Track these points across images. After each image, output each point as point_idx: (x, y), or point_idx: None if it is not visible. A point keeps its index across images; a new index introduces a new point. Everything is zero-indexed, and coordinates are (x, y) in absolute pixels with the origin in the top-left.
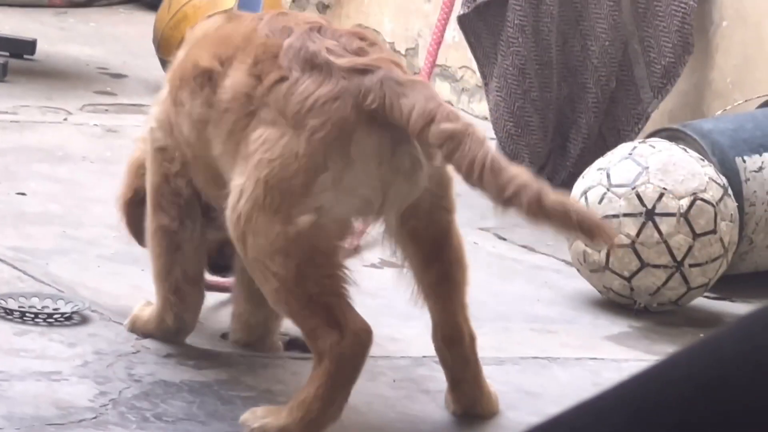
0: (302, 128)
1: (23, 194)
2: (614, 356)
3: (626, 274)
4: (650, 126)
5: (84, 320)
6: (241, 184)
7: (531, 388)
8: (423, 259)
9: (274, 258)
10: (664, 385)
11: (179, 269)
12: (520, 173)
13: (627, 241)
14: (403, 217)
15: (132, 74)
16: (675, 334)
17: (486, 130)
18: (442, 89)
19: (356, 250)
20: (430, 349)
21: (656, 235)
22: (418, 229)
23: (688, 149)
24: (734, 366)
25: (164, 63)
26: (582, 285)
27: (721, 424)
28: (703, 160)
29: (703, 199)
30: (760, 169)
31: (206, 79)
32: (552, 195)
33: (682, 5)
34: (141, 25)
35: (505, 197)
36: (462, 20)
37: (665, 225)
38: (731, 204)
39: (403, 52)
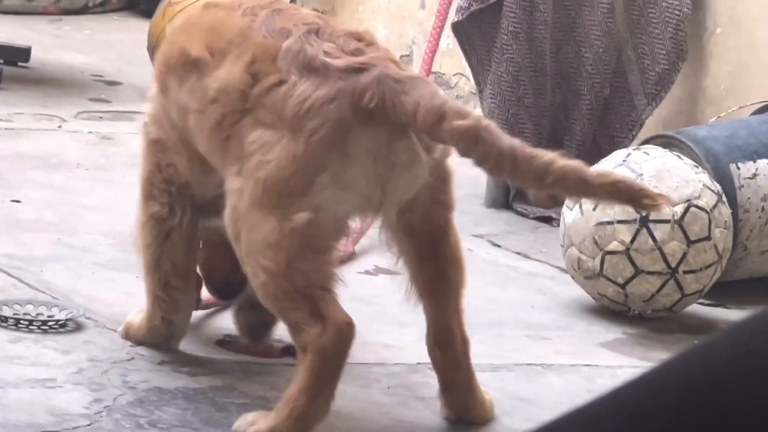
0: (300, 130)
1: (18, 201)
2: (609, 363)
3: (620, 280)
4: (644, 133)
5: (78, 327)
6: (240, 186)
7: (525, 394)
8: (418, 255)
9: (266, 252)
10: (658, 391)
11: (168, 261)
12: (552, 157)
13: (620, 248)
14: (400, 211)
15: (127, 81)
16: (669, 341)
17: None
18: None
19: (351, 257)
20: (424, 356)
21: (650, 241)
22: (415, 223)
23: (682, 156)
24: (727, 371)
25: None
26: (576, 292)
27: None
28: (698, 167)
29: (697, 206)
30: (754, 175)
31: (194, 67)
32: (593, 171)
33: (676, 12)
34: (136, 32)
35: (548, 182)
36: (456, 27)
37: (659, 232)
38: (725, 211)
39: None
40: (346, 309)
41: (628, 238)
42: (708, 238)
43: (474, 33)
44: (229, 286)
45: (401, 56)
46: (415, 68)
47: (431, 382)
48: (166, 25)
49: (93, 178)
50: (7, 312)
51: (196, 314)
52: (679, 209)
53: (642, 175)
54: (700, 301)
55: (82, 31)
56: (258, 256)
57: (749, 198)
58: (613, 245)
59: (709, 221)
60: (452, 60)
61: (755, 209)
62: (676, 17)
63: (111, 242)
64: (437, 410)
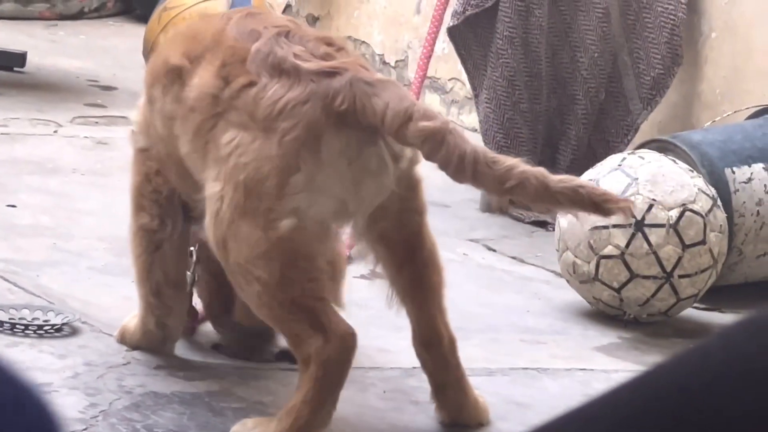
0: (273, 131)
1: (14, 206)
2: (604, 367)
3: (616, 285)
4: (639, 137)
5: (74, 332)
6: (219, 191)
7: (521, 399)
8: (395, 261)
9: (257, 262)
10: (651, 393)
11: (160, 271)
12: (514, 162)
13: (616, 253)
14: (371, 220)
15: (122, 86)
16: (664, 345)
17: (476, 141)
18: (432, 101)
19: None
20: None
21: (646, 246)
22: (388, 231)
23: (677, 160)
24: (721, 374)
25: None
26: (571, 296)
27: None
28: (693, 172)
29: (692, 210)
30: (749, 180)
31: (176, 75)
32: (554, 177)
33: (671, 17)
34: (131, 37)
35: (507, 187)
36: (452, 32)
37: (655, 236)
38: (720, 215)
39: (392, 64)
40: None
41: (623, 243)
42: (703, 242)
43: (470, 37)
44: (230, 316)
45: (396, 61)
46: (411, 73)
47: (426, 386)
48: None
49: (89, 183)
50: (3, 317)
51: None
52: (674, 213)
53: (637, 179)
54: (696, 305)
55: (78, 36)
56: (248, 265)
57: (744, 202)
58: (608, 249)
59: (705, 225)
60: (447, 65)
61: (750, 213)
62: (672, 22)
63: (107, 247)
64: (432, 414)
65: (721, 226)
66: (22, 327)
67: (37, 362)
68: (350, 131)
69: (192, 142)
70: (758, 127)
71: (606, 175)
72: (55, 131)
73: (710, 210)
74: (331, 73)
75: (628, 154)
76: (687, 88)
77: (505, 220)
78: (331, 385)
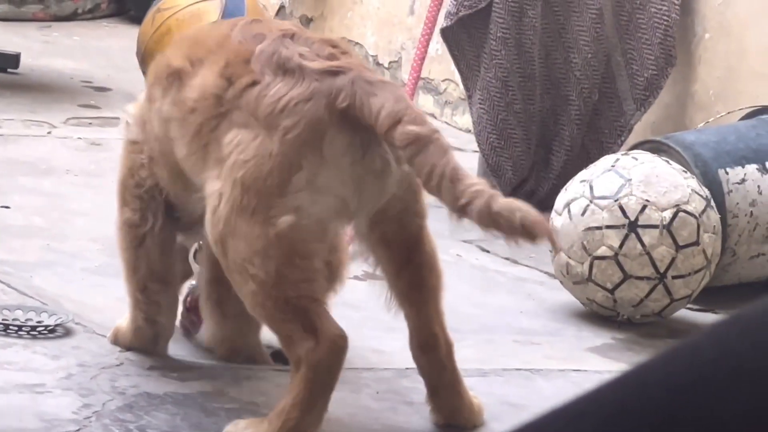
0: (275, 129)
1: (7, 207)
2: (598, 368)
3: (609, 286)
4: (633, 138)
5: (68, 333)
6: (219, 188)
7: (515, 399)
8: (394, 264)
9: (254, 260)
10: (640, 389)
11: (145, 266)
12: (476, 183)
13: (609, 253)
14: (372, 222)
15: (116, 88)
16: (658, 346)
17: (469, 142)
18: (425, 102)
19: None
20: (413, 361)
21: (639, 246)
22: (388, 233)
23: (670, 161)
24: (710, 371)
25: None
26: (565, 297)
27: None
28: (686, 172)
29: (685, 211)
30: (743, 181)
31: (176, 78)
32: (501, 200)
33: (665, 17)
34: (125, 38)
35: (459, 206)
36: (445, 33)
37: (648, 237)
38: (714, 216)
39: (386, 65)
40: (335, 314)
41: (616, 243)
42: (697, 243)
43: (463, 38)
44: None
45: (390, 62)
46: (404, 74)
47: (420, 387)
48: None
49: (82, 184)
50: None
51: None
52: (667, 214)
53: (631, 180)
54: (689, 306)
55: (72, 37)
56: (246, 263)
57: (738, 203)
58: (602, 250)
59: (698, 226)
60: (441, 66)
61: (744, 214)
62: (665, 22)
63: (100, 248)
64: (426, 415)
65: (714, 226)
66: (16, 328)
67: (30, 363)
68: (354, 131)
69: (190, 144)
70: (752, 128)
71: (599, 176)
72: (49, 132)
73: (704, 211)
74: (335, 72)
75: (622, 154)
76: (680, 88)
77: None
78: (321, 388)
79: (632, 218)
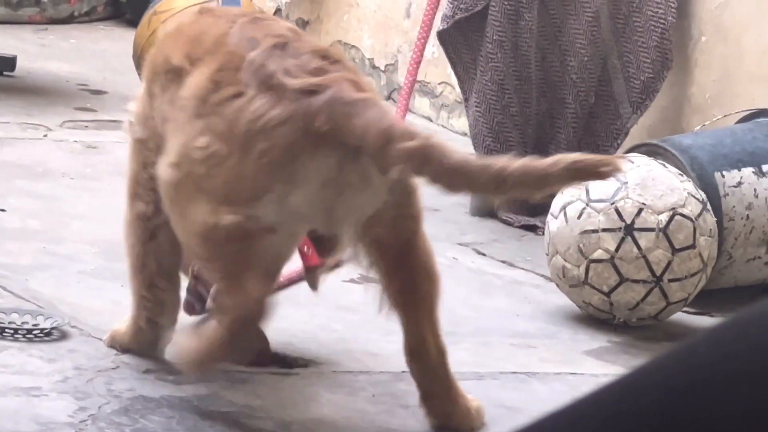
0: (250, 150)
1: (3, 210)
2: (594, 371)
3: (605, 289)
4: (629, 141)
5: (63, 336)
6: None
7: (511, 403)
8: (388, 267)
9: (192, 240)
10: (637, 392)
11: (154, 261)
12: (503, 161)
13: (605, 257)
14: (366, 226)
15: (112, 90)
16: (654, 349)
17: (466, 145)
18: (421, 105)
19: (337, 265)
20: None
21: (635, 250)
22: (382, 237)
23: (667, 164)
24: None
25: None
26: (561, 300)
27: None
28: (682, 176)
29: (682, 214)
30: (739, 184)
31: (176, 76)
32: (545, 162)
33: (661, 21)
34: (121, 41)
35: (508, 187)
36: (442, 36)
37: (644, 240)
38: (710, 219)
39: (382, 68)
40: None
41: (612, 247)
42: (693, 246)
43: (460, 41)
44: None
45: (386, 65)
46: (401, 77)
47: (416, 390)
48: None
49: (78, 187)
50: None
51: (181, 322)
52: (664, 217)
53: (627, 183)
54: (685, 309)
55: (68, 40)
56: (188, 239)
57: (734, 206)
58: (598, 253)
59: (694, 229)
60: (437, 69)
61: (740, 217)
62: (661, 26)
63: (96, 251)
64: (422, 418)
65: (710, 230)
66: (11, 331)
67: (26, 366)
68: (329, 150)
69: (172, 138)
70: (748, 131)
71: None
72: (45, 135)
73: (700, 214)
74: (313, 92)
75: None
76: (677, 91)
77: (495, 224)
78: (236, 340)
79: (628, 221)
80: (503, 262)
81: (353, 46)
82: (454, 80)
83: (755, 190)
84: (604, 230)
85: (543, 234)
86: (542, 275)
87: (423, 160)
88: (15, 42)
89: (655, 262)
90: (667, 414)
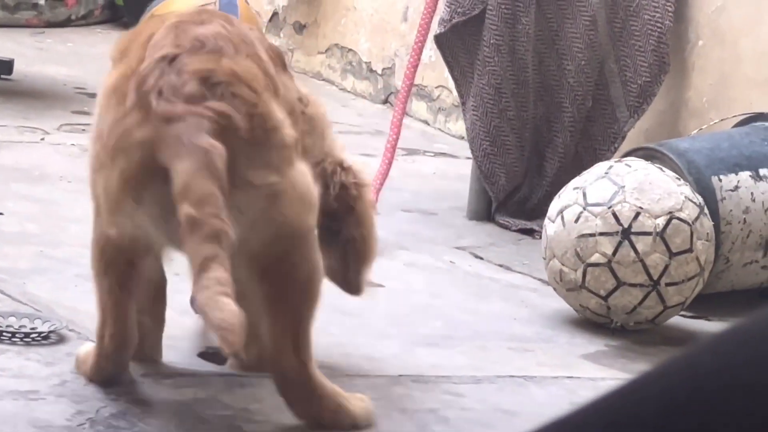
0: (114, 164)
1: (1, 214)
2: (591, 375)
3: (602, 293)
4: (626, 145)
5: (61, 339)
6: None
7: (508, 406)
8: (257, 276)
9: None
10: (639, 401)
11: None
12: (211, 278)
13: (602, 261)
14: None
15: None
16: (652, 353)
17: (463, 149)
18: (419, 109)
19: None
20: (406, 368)
21: (632, 254)
22: (250, 254)
23: (664, 168)
24: (708, 384)
25: None
26: (558, 304)
27: None
28: (679, 180)
29: (679, 218)
30: (736, 188)
31: (111, 68)
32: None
33: (658, 25)
34: None
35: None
36: (439, 39)
37: (641, 244)
38: (707, 223)
39: (379, 71)
40: (329, 321)
41: (610, 251)
42: (690, 250)
43: (457, 45)
44: None
45: (383, 69)
46: (398, 81)
47: (413, 394)
48: None
49: (76, 190)
50: None
51: (179, 327)
52: (661, 221)
53: (624, 187)
54: (682, 313)
55: (65, 43)
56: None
57: (731, 210)
58: (595, 257)
59: (691, 233)
60: (434, 72)
61: (737, 221)
62: (659, 30)
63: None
64: (420, 423)
65: (708, 234)
66: (9, 334)
67: (24, 370)
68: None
69: None
70: (745, 135)
71: (593, 183)
72: (42, 139)
73: (697, 218)
74: (170, 120)
75: (615, 161)
76: (674, 95)
77: (492, 227)
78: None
79: (625, 225)
80: (500, 265)
81: (350, 50)
82: (451, 84)
83: (752, 194)
84: (602, 234)
85: (540, 238)
86: (539, 279)
87: (187, 232)
88: (12, 45)
89: (653, 266)
90: (668, 424)
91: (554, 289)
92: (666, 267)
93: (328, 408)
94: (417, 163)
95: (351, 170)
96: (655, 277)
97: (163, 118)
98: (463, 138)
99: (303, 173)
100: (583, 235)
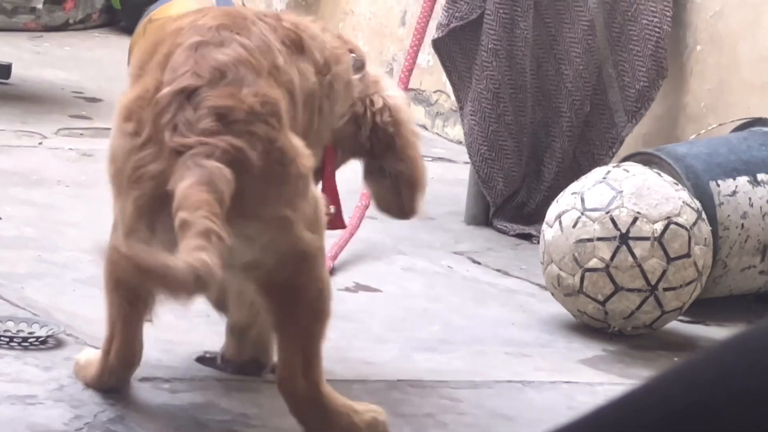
0: (129, 193)
1: None
2: (588, 380)
3: (600, 297)
4: (624, 150)
5: (59, 344)
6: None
7: (505, 411)
8: (268, 299)
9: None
10: (639, 410)
11: None
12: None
13: (600, 266)
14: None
15: (107, 98)
16: (649, 358)
17: (461, 154)
18: (417, 113)
19: (330, 272)
20: (404, 373)
21: (630, 259)
22: (261, 277)
23: (662, 173)
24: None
25: None
26: (556, 309)
27: None
28: (677, 185)
29: (677, 223)
30: (734, 193)
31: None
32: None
33: (656, 29)
34: (116, 49)
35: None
36: (437, 44)
37: (639, 249)
38: (705, 228)
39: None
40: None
41: (607, 256)
42: (688, 255)
43: (455, 50)
44: None
45: None
46: None
47: (411, 399)
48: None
49: (74, 194)
50: None
51: (177, 331)
52: (659, 226)
53: (622, 192)
54: (680, 318)
55: (63, 47)
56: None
57: (729, 215)
58: (593, 262)
59: (689, 238)
60: (432, 77)
61: (735, 226)
62: (657, 35)
63: (92, 259)
64: (417, 427)
65: (705, 239)
66: (7, 339)
67: (22, 374)
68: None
69: None
70: (743, 140)
71: (591, 188)
72: (40, 143)
73: (695, 223)
74: (180, 152)
75: (613, 166)
76: (672, 100)
77: (490, 232)
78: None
79: (623, 230)
80: (498, 270)
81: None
82: (449, 88)
83: (750, 199)
84: (599, 239)
85: (538, 243)
86: (537, 284)
87: (180, 234)
88: (10, 49)
89: (650, 271)
90: None
91: (552, 294)
92: (664, 272)
93: (340, 426)
94: None
95: (385, 109)
96: (653, 282)
97: (174, 152)
98: (461, 143)
99: (314, 198)
100: (581, 240)
